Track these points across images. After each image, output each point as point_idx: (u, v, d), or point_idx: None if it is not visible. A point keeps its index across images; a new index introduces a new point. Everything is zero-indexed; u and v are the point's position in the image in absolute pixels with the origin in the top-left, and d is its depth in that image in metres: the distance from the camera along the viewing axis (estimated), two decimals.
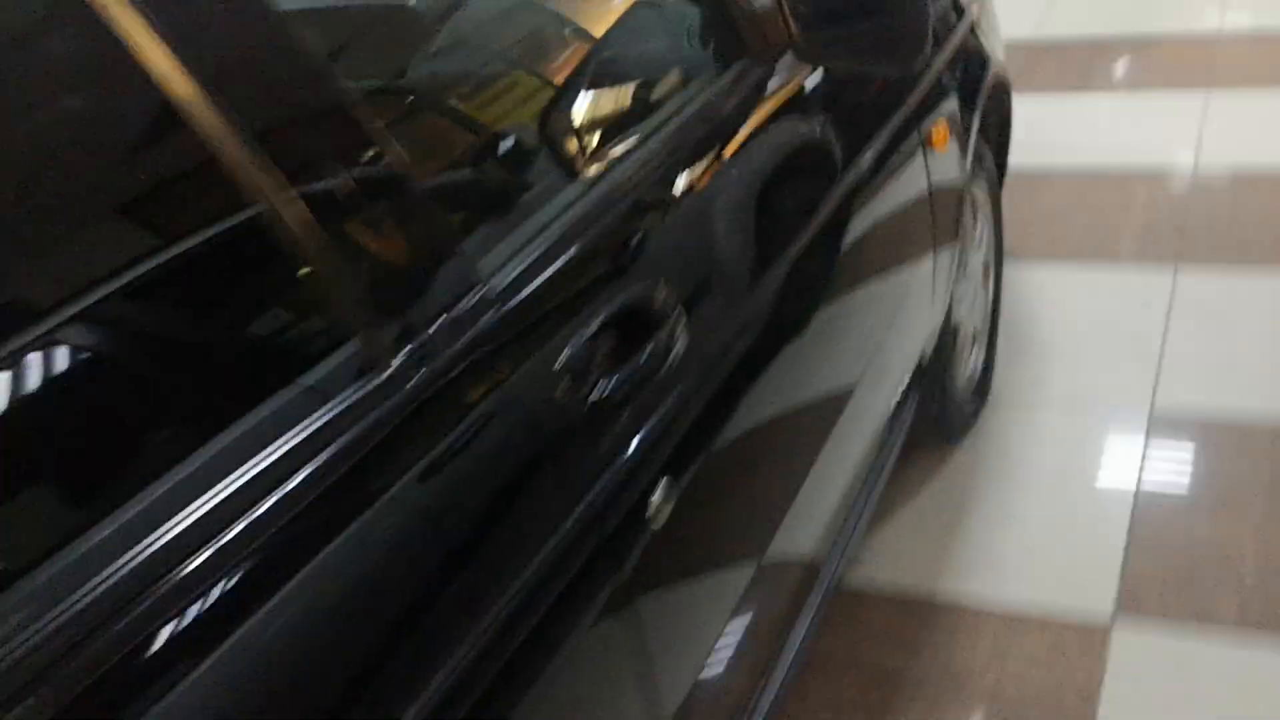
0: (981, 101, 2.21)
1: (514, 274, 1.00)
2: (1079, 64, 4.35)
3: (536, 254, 1.03)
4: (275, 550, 0.73)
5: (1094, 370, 2.60)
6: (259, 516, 0.73)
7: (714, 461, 1.20)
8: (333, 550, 0.76)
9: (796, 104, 1.46)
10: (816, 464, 1.51)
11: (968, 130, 2.11)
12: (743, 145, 1.35)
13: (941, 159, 1.89)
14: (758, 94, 1.42)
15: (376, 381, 0.83)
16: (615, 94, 1.37)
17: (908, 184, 1.75)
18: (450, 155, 1.12)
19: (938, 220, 1.90)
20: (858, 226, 1.58)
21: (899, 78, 1.77)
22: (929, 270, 1.90)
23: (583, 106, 1.31)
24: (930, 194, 1.85)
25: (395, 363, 0.85)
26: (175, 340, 0.76)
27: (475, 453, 0.89)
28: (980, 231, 2.39)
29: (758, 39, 1.45)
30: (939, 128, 1.85)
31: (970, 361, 2.42)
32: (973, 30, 2.22)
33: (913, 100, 1.78)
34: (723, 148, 1.33)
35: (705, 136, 1.31)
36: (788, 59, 1.47)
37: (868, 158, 1.59)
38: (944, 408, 2.28)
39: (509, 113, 1.20)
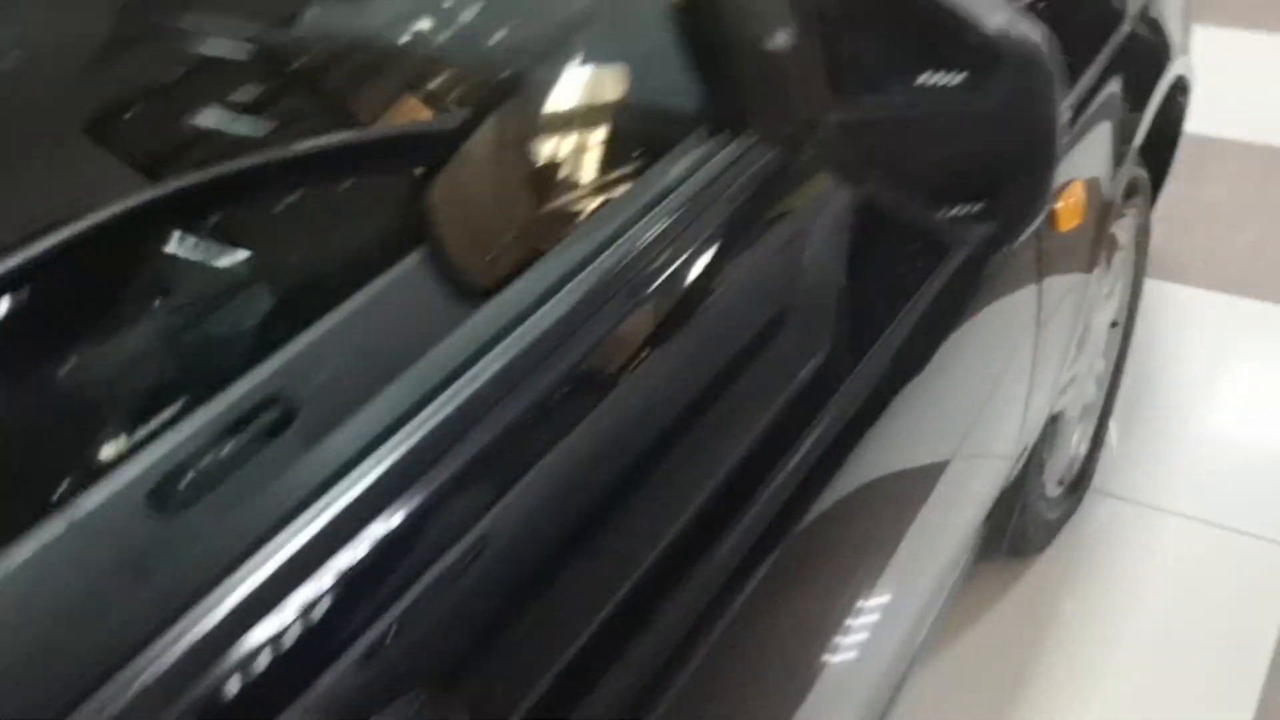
0: (1151, 111, 1.55)
1: None
2: None
3: None
4: None
5: (1244, 458, 1.97)
6: None
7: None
8: None
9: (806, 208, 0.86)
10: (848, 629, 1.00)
11: (1123, 150, 1.46)
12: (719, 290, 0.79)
13: (1067, 237, 1.27)
14: (756, 204, 0.83)
15: None
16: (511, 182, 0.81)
17: (1007, 300, 1.14)
18: None
19: (1044, 325, 1.29)
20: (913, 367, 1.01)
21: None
22: (1022, 391, 1.31)
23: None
24: (1039, 293, 1.24)
25: None
26: None
27: None
28: (1111, 282, 1.76)
29: (766, 106, 0.84)
30: (1069, 198, 1.22)
31: (1070, 450, 1.82)
32: (1145, 12, 1.53)
33: None
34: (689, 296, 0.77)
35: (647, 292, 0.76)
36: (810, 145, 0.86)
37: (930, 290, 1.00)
38: (1021, 518, 1.70)
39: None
